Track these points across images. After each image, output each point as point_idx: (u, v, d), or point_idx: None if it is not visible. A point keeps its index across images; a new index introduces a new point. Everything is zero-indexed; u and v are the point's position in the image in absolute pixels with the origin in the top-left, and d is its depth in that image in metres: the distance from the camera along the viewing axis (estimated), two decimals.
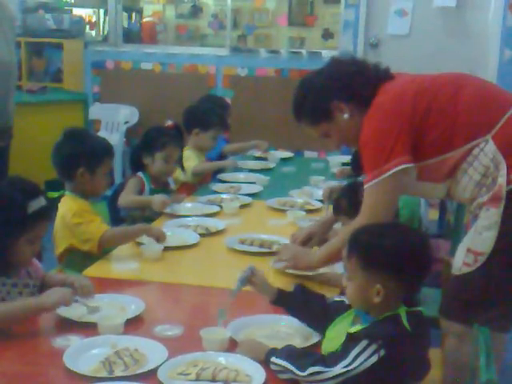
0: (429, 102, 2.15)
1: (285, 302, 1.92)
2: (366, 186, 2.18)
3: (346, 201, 2.41)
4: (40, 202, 2.02)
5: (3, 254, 1.98)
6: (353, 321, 1.72)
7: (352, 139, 2.28)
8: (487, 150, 2.09)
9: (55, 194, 2.24)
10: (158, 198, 3.12)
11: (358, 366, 1.56)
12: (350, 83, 2.24)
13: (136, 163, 3.39)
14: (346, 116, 2.26)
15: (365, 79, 2.24)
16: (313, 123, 2.34)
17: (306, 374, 1.59)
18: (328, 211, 2.99)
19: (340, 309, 1.79)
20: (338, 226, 2.67)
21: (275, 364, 1.66)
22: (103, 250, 2.59)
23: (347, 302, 1.82)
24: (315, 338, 1.84)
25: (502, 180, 2.06)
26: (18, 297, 2.00)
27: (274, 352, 1.70)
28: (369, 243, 1.67)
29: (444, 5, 5.72)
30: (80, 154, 2.64)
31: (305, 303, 1.89)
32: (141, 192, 3.28)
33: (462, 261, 2.13)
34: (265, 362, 1.70)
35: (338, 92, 2.25)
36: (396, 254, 1.63)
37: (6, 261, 1.99)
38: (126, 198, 3.20)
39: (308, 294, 1.93)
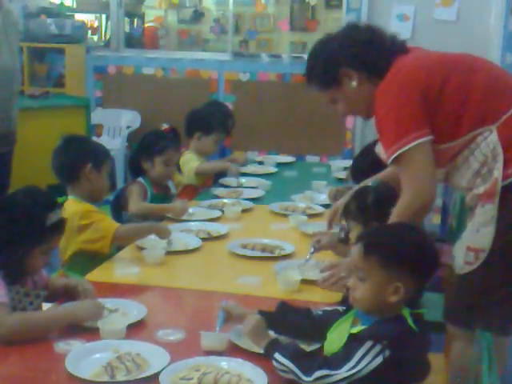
0: (443, 79, 2.11)
1: (268, 324, 1.84)
2: (391, 163, 2.11)
3: (355, 205, 2.41)
4: (57, 215, 2.04)
5: (19, 264, 1.99)
6: (353, 322, 1.72)
7: (358, 108, 2.26)
8: (490, 140, 2.07)
9: (59, 199, 2.26)
10: (179, 205, 3.12)
11: (363, 368, 1.56)
12: (361, 52, 2.19)
13: (135, 168, 3.39)
14: (354, 84, 2.22)
15: (378, 49, 2.20)
16: (321, 87, 2.31)
17: (311, 379, 1.58)
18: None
19: (333, 318, 1.78)
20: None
21: (279, 362, 1.64)
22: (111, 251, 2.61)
23: (341, 309, 1.82)
24: (317, 344, 1.83)
25: (497, 174, 2.05)
26: (29, 306, 2.02)
27: (277, 345, 1.69)
28: (390, 241, 1.68)
29: (444, 18, 5.75)
30: (87, 151, 2.70)
31: (288, 322, 1.86)
32: (144, 198, 3.27)
33: (462, 260, 2.12)
34: (264, 351, 1.70)
35: (347, 59, 2.21)
36: (415, 252, 1.66)
37: (20, 270, 2.00)
38: (139, 205, 3.17)
39: (291, 311, 1.90)
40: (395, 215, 2.11)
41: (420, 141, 2.06)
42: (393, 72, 2.15)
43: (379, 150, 2.32)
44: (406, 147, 2.06)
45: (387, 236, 1.72)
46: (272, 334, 1.81)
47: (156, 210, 3.20)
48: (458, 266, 2.15)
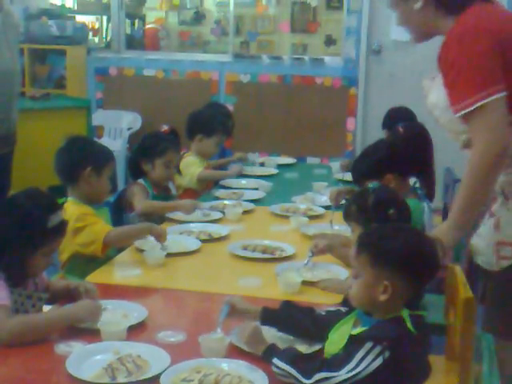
0: None
1: (271, 320, 1.87)
2: (461, 114, 1.99)
3: (356, 207, 2.41)
4: (58, 217, 2.04)
5: (20, 266, 1.99)
6: (354, 324, 1.72)
7: (412, 28, 2.19)
8: None
9: (59, 201, 2.26)
10: (188, 201, 3.12)
11: (363, 370, 1.55)
12: None
13: (135, 170, 3.39)
14: (418, 5, 2.12)
15: None
16: None
17: (312, 382, 1.58)
18: (333, 216, 2.98)
19: (335, 318, 1.78)
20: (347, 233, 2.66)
21: (278, 367, 1.64)
22: (106, 254, 2.59)
23: (343, 310, 1.82)
24: (318, 344, 1.83)
25: None
26: (31, 309, 2.02)
27: (274, 350, 1.69)
28: (380, 240, 1.69)
29: None
30: (88, 154, 2.69)
31: (292, 320, 1.87)
32: (145, 198, 3.26)
33: (495, 256, 2.04)
34: (262, 357, 1.70)
35: None
36: (406, 253, 1.65)
37: (21, 273, 2.01)
38: (145, 203, 3.17)
39: (295, 310, 1.91)
40: (472, 166, 1.98)
41: (497, 96, 1.94)
42: (470, 16, 2.03)
43: (433, 97, 2.15)
44: (482, 102, 1.94)
45: (378, 235, 1.72)
46: (270, 337, 1.82)
47: (164, 208, 3.20)
48: (489, 263, 2.06)
